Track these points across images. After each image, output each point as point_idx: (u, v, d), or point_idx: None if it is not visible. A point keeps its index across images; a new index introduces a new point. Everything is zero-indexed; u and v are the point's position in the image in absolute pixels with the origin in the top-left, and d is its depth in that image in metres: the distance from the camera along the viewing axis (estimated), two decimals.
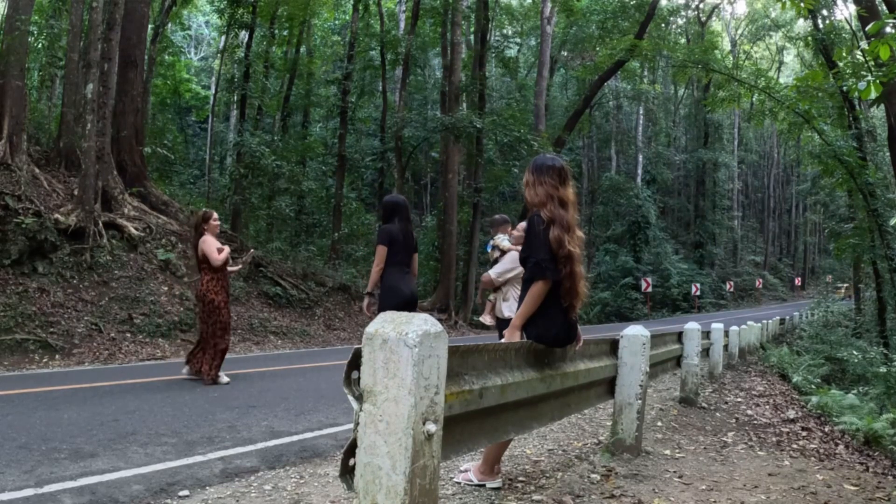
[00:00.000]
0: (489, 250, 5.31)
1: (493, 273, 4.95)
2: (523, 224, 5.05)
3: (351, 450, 1.82)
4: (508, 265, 4.93)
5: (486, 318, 5.28)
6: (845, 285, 43.42)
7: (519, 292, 4.69)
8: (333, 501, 3.03)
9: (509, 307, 4.84)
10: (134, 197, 12.55)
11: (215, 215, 6.79)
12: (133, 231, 11.35)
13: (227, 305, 6.61)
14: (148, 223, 11.98)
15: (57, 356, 8.07)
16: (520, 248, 4.80)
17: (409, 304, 5.00)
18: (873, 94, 5.20)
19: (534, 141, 18.87)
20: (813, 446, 5.20)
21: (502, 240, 5.14)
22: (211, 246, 6.42)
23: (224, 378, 6.49)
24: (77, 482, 3.10)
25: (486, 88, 22.70)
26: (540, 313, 2.96)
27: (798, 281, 55.90)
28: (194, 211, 6.76)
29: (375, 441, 1.73)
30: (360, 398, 1.78)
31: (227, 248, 6.67)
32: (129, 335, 9.36)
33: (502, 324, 4.73)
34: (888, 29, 6.32)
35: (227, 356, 9.90)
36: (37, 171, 10.92)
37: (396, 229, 5.05)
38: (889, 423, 5.81)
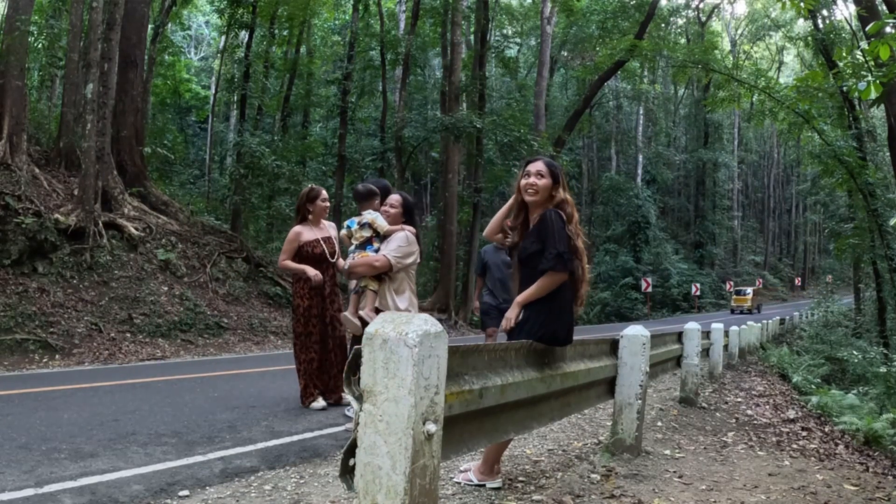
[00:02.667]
0: (353, 227, 4.34)
1: (390, 255, 4.00)
2: (396, 197, 4.34)
3: (351, 450, 1.82)
4: (406, 248, 4.04)
5: (368, 314, 3.97)
6: (752, 288, 38.45)
7: (413, 283, 4.21)
8: (333, 501, 3.03)
9: (407, 301, 4.08)
10: (134, 197, 12.56)
11: (324, 194, 5.16)
12: (133, 231, 11.36)
13: (317, 314, 5.08)
14: (148, 223, 11.99)
15: (57, 356, 8.06)
16: (404, 228, 4.18)
17: None
18: (873, 94, 5.20)
19: (534, 141, 18.87)
20: (813, 446, 5.19)
21: (377, 218, 4.25)
22: (290, 242, 5.01)
23: (317, 403, 5.11)
24: (77, 482, 3.10)
25: (486, 88, 22.70)
26: (549, 310, 2.97)
27: (798, 281, 55.97)
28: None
29: (375, 441, 1.73)
30: (360, 398, 1.78)
31: (328, 238, 5.12)
32: (129, 335, 9.36)
33: None
34: (888, 29, 6.32)
35: (227, 356, 10.00)
36: (37, 171, 10.93)
37: None
38: (889, 423, 5.82)
